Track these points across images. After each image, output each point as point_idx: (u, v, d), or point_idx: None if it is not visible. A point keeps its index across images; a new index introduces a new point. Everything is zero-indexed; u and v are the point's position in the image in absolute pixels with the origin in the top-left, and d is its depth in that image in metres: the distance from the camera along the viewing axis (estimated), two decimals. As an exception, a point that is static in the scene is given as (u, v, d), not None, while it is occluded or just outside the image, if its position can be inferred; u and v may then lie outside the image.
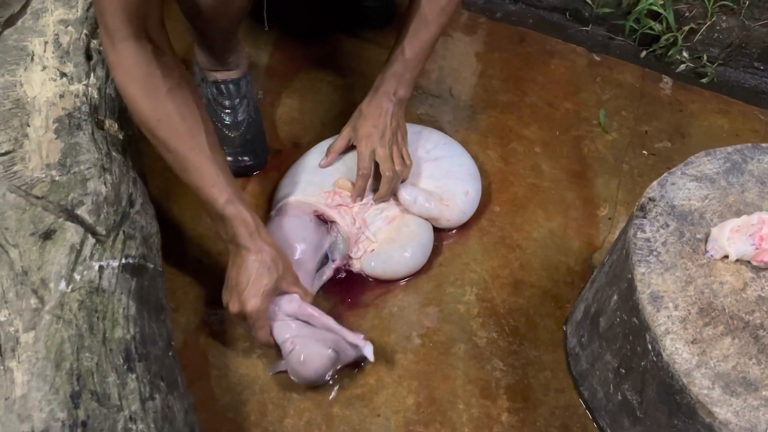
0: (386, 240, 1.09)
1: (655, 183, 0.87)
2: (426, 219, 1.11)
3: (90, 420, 0.72)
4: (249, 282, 0.91)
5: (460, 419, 0.97)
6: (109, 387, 0.77)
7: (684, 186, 0.87)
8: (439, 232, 1.16)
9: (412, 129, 1.20)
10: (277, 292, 0.94)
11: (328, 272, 1.06)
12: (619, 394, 0.88)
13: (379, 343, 1.04)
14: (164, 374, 0.85)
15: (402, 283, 1.11)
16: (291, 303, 0.95)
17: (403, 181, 1.13)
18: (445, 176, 1.14)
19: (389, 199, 1.12)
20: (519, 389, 1.01)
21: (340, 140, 1.16)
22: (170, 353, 0.90)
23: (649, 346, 0.77)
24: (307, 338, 0.93)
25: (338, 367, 0.97)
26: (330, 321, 0.95)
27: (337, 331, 0.95)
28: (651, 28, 1.55)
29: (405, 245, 1.08)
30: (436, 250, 1.15)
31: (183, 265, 1.11)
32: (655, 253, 0.81)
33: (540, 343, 1.06)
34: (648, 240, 0.82)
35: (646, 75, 1.49)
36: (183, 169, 0.92)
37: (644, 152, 1.34)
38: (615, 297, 0.86)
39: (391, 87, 1.10)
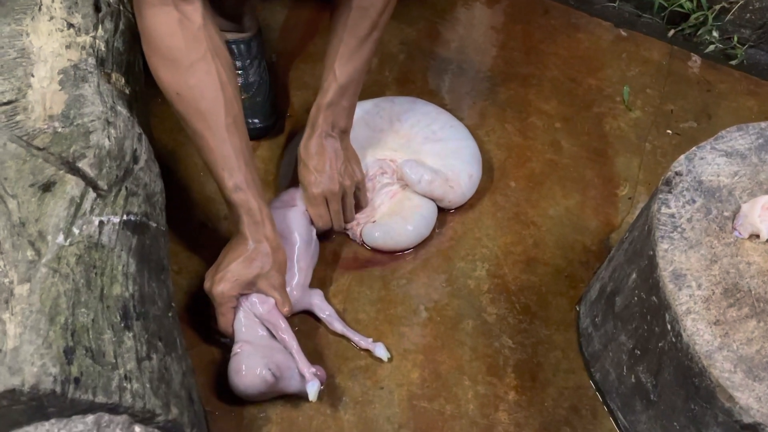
0: (389, 212, 1.06)
1: (682, 157, 0.82)
2: (428, 197, 1.08)
3: (83, 377, 0.70)
4: (230, 266, 0.89)
5: (466, 396, 0.94)
6: (105, 344, 0.74)
7: (713, 161, 0.82)
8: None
9: (420, 107, 1.16)
10: (251, 287, 0.90)
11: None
12: (633, 376, 0.84)
13: (385, 315, 1.01)
14: (162, 335, 0.82)
15: (411, 256, 1.08)
16: (263, 305, 0.90)
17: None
18: (450, 156, 1.10)
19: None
20: (527, 368, 0.98)
21: (292, 184, 1.07)
22: (170, 314, 0.87)
23: (668, 326, 0.73)
24: (257, 349, 0.88)
25: (276, 393, 0.90)
26: (291, 341, 0.89)
27: (293, 353, 0.89)
28: (681, 6, 1.49)
29: (407, 218, 1.06)
30: (448, 224, 1.12)
31: (188, 228, 1.08)
32: (679, 229, 0.77)
33: (551, 322, 1.02)
34: (672, 216, 0.78)
35: (674, 53, 1.43)
36: (198, 146, 0.90)
37: (668, 131, 1.29)
38: (634, 275, 0.82)
39: (329, 120, 0.99)
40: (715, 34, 1.49)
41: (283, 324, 0.89)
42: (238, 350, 0.88)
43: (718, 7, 1.46)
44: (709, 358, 0.69)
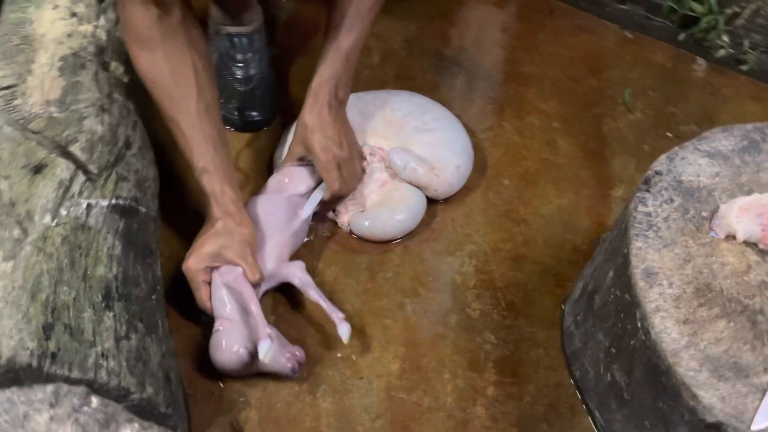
0: (377, 202, 1.07)
1: (663, 156, 0.82)
2: (413, 185, 1.08)
3: (60, 352, 0.72)
4: (196, 242, 0.93)
5: (444, 389, 0.95)
6: (84, 322, 0.77)
7: (695, 161, 0.82)
8: (443, 202, 1.13)
9: (416, 99, 1.17)
10: (219, 259, 0.92)
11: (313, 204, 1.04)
12: (609, 374, 0.84)
13: (370, 307, 1.02)
14: (144, 316, 0.84)
15: (399, 250, 1.08)
16: (230, 273, 0.91)
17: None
18: (439, 146, 1.11)
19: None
20: (508, 364, 0.98)
21: (289, 158, 1.06)
22: (154, 297, 0.89)
23: (639, 324, 0.73)
24: (237, 327, 0.89)
25: (258, 370, 0.91)
26: (254, 306, 0.89)
27: (254, 317, 0.89)
28: (692, 9, 1.47)
29: (395, 209, 1.06)
30: (438, 219, 1.12)
31: (181, 216, 1.10)
32: (654, 228, 0.77)
33: (536, 320, 1.02)
34: (649, 214, 0.78)
35: (679, 56, 1.42)
36: (172, 132, 0.94)
37: (668, 134, 1.28)
38: (611, 273, 0.82)
39: (332, 90, 1.00)
40: (725, 38, 1.47)
41: (248, 291, 0.90)
42: (219, 327, 0.90)
43: (729, 11, 1.45)
44: (675, 356, 0.69)
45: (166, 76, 0.90)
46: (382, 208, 1.06)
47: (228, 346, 0.88)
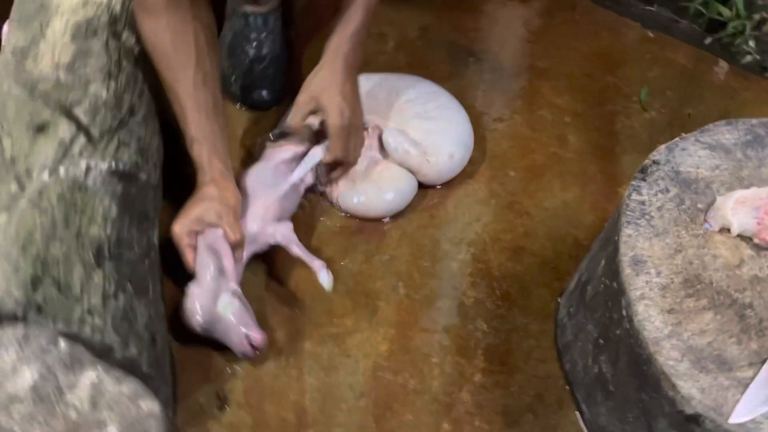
0: (367, 180, 1.07)
1: (662, 146, 0.80)
2: (404, 167, 1.08)
3: (46, 304, 0.73)
4: (183, 209, 0.95)
5: (431, 372, 0.94)
6: (73, 278, 0.78)
7: (695, 153, 0.80)
8: (443, 187, 1.12)
9: (423, 86, 1.17)
10: (201, 222, 0.93)
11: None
12: (597, 366, 0.83)
13: (363, 288, 1.02)
14: (134, 279, 0.86)
15: (398, 234, 1.08)
16: (211, 234, 0.92)
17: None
18: (436, 133, 1.11)
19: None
20: (498, 353, 0.97)
21: (299, 112, 1.02)
22: (146, 261, 0.90)
23: (624, 312, 0.72)
24: (202, 294, 0.89)
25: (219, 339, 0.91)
26: (228, 263, 0.90)
27: (227, 273, 0.90)
28: (719, 13, 1.44)
29: (383, 188, 1.07)
30: (439, 206, 1.12)
31: (188, 188, 1.11)
32: (647, 216, 0.75)
33: (530, 312, 1.01)
34: (642, 203, 0.76)
35: (700, 57, 1.39)
36: (169, 99, 0.96)
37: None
38: (603, 263, 0.81)
39: (350, 50, 0.98)
40: (752, 44, 1.44)
41: (225, 249, 0.91)
42: (189, 290, 0.90)
43: (757, 16, 1.41)
44: (656, 344, 0.67)
45: (166, 44, 0.92)
46: (371, 185, 1.07)
47: (190, 310, 0.89)
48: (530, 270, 1.06)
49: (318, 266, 0.92)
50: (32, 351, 0.57)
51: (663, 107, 1.30)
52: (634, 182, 0.78)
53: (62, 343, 0.59)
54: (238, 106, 1.22)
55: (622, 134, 1.25)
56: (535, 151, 1.21)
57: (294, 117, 1.04)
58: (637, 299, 0.70)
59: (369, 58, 1.30)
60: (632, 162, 1.20)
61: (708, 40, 1.45)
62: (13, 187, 0.81)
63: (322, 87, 0.99)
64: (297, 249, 0.94)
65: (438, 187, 1.12)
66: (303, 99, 1.02)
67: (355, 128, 1.02)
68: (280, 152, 1.05)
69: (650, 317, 0.69)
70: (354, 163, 1.06)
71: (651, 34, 1.43)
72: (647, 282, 0.71)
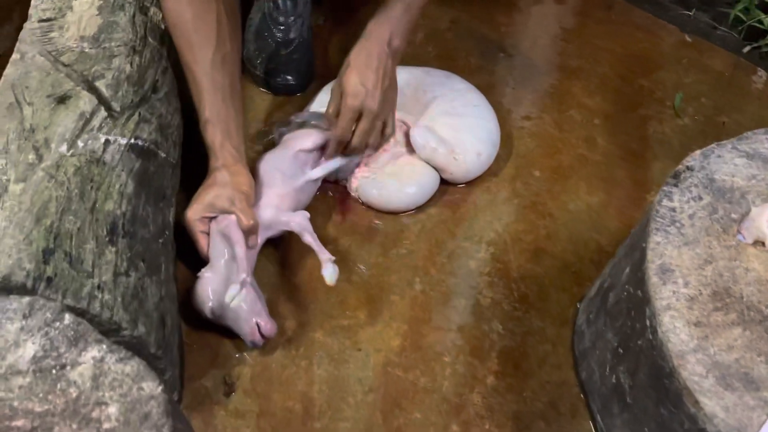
0: (389, 173, 1.05)
1: (698, 152, 0.77)
2: (430, 165, 1.06)
3: (56, 278, 0.72)
4: (195, 195, 0.93)
5: (443, 372, 0.92)
6: (85, 253, 0.77)
7: (731, 161, 0.77)
8: (466, 186, 1.10)
9: (451, 83, 1.14)
10: (213, 208, 0.91)
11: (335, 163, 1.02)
12: (614, 376, 0.80)
13: (378, 281, 1.00)
14: (147, 257, 0.84)
15: (417, 228, 1.06)
16: (224, 220, 0.91)
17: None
18: (463, 130, 1.08)
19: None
20: (513, 356, 0.94)
21: (332, 102, 1.01)
22: (161, 240, 0.89)
23: (647, 322, 0.69)
24: (214, 280, 0.88)
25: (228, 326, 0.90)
26: (239, 250, 0.88)
27: (237, 261, 0.88)
28: (760, 21, 1.40)
29: (404, 181, 1.05)
30: (460, 204, 1.09)
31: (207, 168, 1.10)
32: (678, 224, 0.72)
33: (547, 316, 0.98)
34: (673, 210, 0.73)
35: (738, 64, 1.35)
36: (187, 78, 0.95)
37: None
38: (627, 270, 0.78)
39: (386, 34, 0.95)
40: (792, 55, 1.39)
41: (237, 236, 0.89)
42: (202, 274, 0.89)
43: (800, 25, 1.37)
44: (681, 357, 0.64)
45: (187, 22, 0.91)
46: (393, 179, 1.05)
47: (201, 296, 0.88)
48: (550, 273, 1.03)
49: (325, 259, 0.90)
50: (36, 323, 0.56)
51: (697, 114, 1.26)
52: (665, 188, 0.75)
53: (68, 318, 0.57)
54: (262, 89, 1.21)
55: (653, 140, 1.21)
56: (562, 152, 1.18)
57: (328, 105, 1.02)
58: (663, 309, 0.67)
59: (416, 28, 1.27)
60: (662, 169, 1.17)
61: (746, 49, 1.41)
62: (31, 156, 0.80)
63: (346, 69, 0.97)
64: (309, 237, 0.92)
65: (462, 185, 1.10)
66: (334, 87, 1.01)
67: (370, 114, 0.97)
68: (301, 139, 1.03)
69: (675, 329, 0.66)
70: (360, 149, 1.01)
71: (688, 39, 1.40)
72: (674, 292, 0.68)
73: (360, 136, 0.99)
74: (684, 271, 0.69)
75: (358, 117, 0.98)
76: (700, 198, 0.74)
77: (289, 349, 0.93)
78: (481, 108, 1.13)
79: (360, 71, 0.95)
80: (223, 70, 0.92)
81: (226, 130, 0.93)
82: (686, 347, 0.65)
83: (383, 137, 1.03)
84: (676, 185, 0.75)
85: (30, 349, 0.54)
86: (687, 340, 0.65)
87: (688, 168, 0.76)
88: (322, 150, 1.03)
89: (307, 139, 1.03)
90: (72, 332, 0.56)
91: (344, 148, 1.02)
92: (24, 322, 0.56)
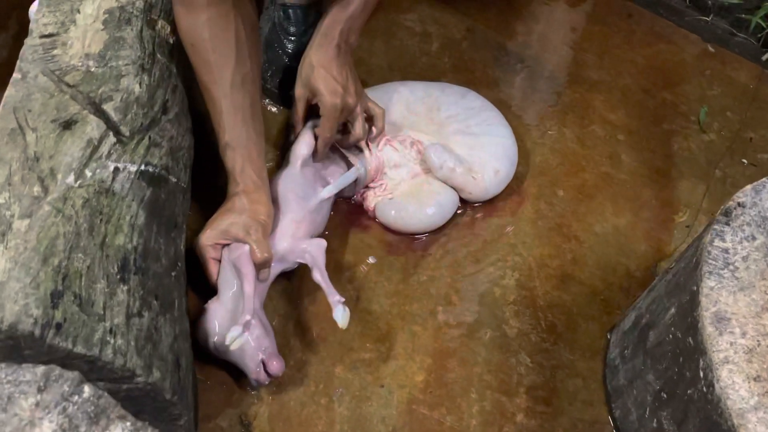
0: (406, 192, 1.01)
1: (749, 187, 0.73)
2: (449, 185, 1.02)
3: (66, 323, 0.67)
4: (210, 220, 0.90)
5: (470, 409, 0.88)
6: (96, 294, 0.71)
7: (784, 197, 0.72)
8: (490, 207, 1.06)
9: (466, 101, 1.09)
10: (227, 235, 0.87)
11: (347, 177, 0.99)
12: (655, 420, 0.76)
13: (399, 310, 0.96)
14: (160, 293, 0.79)
15: (438, 253, 1.01)
16: (237, 249, 0.86)
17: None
18: (480, 148, 1.04)
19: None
20: (542, 391, 0.90)
21: (298, 105, 0.99)
22: (173, 274, 0.84)
23: (701, 374, 0.65)
24: (222, 310, 0.85)
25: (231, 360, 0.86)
26: (248, 287, 0.83)
27: (244, 299, 0.83)
28: (780, 28, 1.36)
29: (424, 202, 1.00)
30: (482, 226, 1.05)
31: (216, 190, 1.04)
32: (731, 267, 0.68)
33: (577, 347, 0.94)
34: (726, 251, 0.69)
35: (763, 76, 1.31)
36: (205, 100, 0.91)
37: (744, 161, 1.18)
38: (672, 310, 0.74)
39: (344, 32, 0.94)
40: (815, 65, 1.35)
41: (247, 270, 0.84)
42: (208, 306, 0.85)
43: (823, 33, 1.33)
44: (741, 416, 0.60)
45: (205, 41, 0.86)
46: (411, 200, 1.00)
47: (206, 329, 0.84)
48: (578, 301, 0.99)
49: (335, 301, 0.85)
50: (53, 398, 0.51)
51: (723, 129, 1.22)
52: (716, 226, 0.70)
53: (87, 390, 0.52)
54: (272, 103, 1.15)
55: (679, 156, 1.17)
56: (586, 170, 1.14)
57: (294, 112, 1.00)
58: (720, 363, 0.63)
59: (412, 59, 1.23)
60: (690, 188, 1.13)
61: (765, 56, 1.37)
62: (36, 189, 0.74)
63: (311, 71, 0.95)
64: (319, 276, 0.87)
65: (480, 204, 1.05)
66: (296, 91, 0.98)
67: (348, 108, 0.95)
68: (296, 148, 0.99)
69: (734, 384, 0.62)
70: (346, 145, 1.01)
71: (711, 49, 1.35)
72: (731, 344, 0.64)
73: (355, 136, 0.99)
74: (741, 319, 0.65)
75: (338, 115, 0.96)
76: (754, 238, 0.70)
77: (307, 386, 0.88)
78: (497, 126, 1.09)
79: (328, 70, 0.93)
80: (243, 90, 0.88)
81: (247, 154, 0.88)
82: (746, 405, 0.61)
83: (371, 125, 1.02)
84: (727, 224, 0.70)
85: (47, 429, 0.49)
86: (747, 396, 0.61)
87: (739, 204, 0.71)
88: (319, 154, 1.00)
89: (301, 145, 0.99)
90: (92, 407, 0.51)
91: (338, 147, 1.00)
92: (39, 397, 0.51)
